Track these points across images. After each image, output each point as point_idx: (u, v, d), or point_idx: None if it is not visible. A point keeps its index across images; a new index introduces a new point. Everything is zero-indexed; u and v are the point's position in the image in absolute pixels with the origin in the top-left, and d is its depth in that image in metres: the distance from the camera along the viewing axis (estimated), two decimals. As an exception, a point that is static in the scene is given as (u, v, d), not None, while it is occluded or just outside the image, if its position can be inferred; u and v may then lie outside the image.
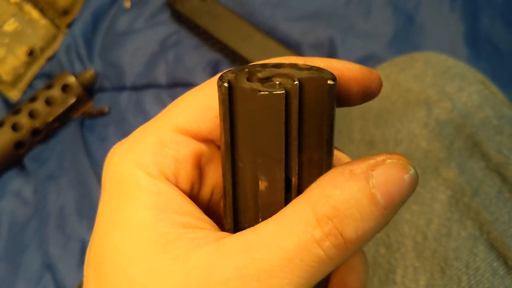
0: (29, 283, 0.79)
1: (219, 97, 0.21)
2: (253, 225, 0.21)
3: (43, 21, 1.01)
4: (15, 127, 0.89)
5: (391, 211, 0.19)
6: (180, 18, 0.97)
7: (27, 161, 0.91)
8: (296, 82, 0.20)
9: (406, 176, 0.20)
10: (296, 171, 0.22)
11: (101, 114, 0.93)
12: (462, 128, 0.46)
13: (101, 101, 0.96)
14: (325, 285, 0.25)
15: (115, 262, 0.20)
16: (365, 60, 0.86)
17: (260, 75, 0.22)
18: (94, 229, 0.22)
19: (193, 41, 0.96)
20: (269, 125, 0.21)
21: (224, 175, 0.22)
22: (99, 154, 0.88)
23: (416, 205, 0.44)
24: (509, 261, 0.40)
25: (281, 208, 0.21)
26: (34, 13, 1.00)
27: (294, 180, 0.22)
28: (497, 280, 0.39)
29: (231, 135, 0.21)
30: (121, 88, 0.96)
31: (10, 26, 0.98)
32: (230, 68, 0.22)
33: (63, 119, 0.93)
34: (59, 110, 0.91)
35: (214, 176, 0.24)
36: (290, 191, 0.22)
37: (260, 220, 0.22)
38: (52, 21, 1.03)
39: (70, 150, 0.90)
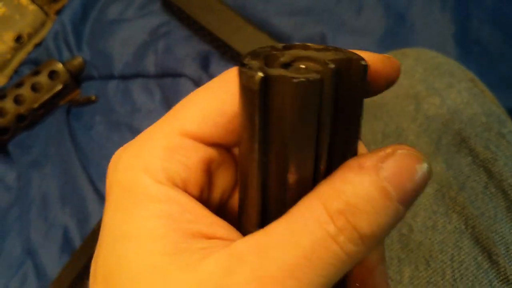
0: (10, 270, 0.78)
1: (245, 88, 0.19)
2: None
3: (31, 7, 1.00)
4: (-1, 112, 0.88)
5: (404, 203, 0.19)
6: (171, 8, 0.96)
7: (11, 147, 0.90)
8: (331, 66, 0.18)
9: (418, 167, 0.19)
10: (325, 162, 0.20)
11: (88, 102, 0.92)
12: (451, 124, 0.46)
13: (89, 90, 0.95)
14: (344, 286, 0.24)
15: (123, 276, 0.19)
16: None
17: (282, 59, 0.19)
18: (100, 241, 0.21)
19: (184, 32, 0.95)
20: (301, 114, 0.18)
21: (246, 174, 0.21)
22: (84, 143, 0.87)
23: (402, 198, 0.44)
24: (493, 256, 0.40)
25: None
26: (23, -2, 0.99)
27: (322, 169, 0.20)
28: (481, 274, 0.40)
29: (263, 129, 0.19)
30: (109, 77, 0.95)
31: (-2, 10, 0.97)
32: (245, 54, 0.20)
33: (49, 106, 0.92)
34: (45, 96, 0.90)
35: (224, 181, 0.23)
36: (318, 182, 0.20)
37: None
38: (41, 7, 1.02)
39: (56, 137, 0.89)
